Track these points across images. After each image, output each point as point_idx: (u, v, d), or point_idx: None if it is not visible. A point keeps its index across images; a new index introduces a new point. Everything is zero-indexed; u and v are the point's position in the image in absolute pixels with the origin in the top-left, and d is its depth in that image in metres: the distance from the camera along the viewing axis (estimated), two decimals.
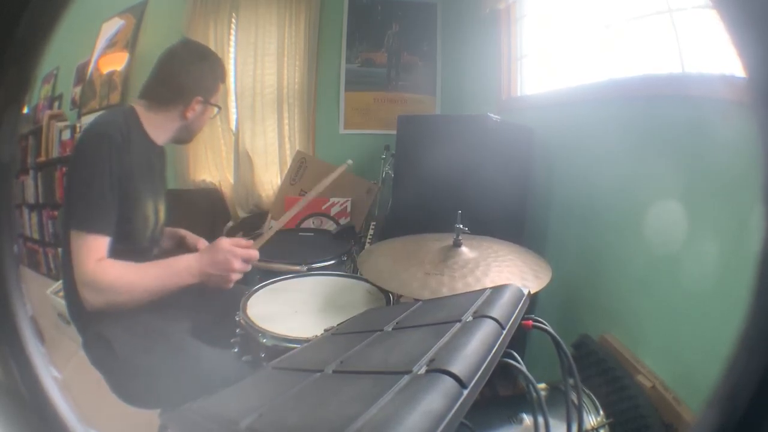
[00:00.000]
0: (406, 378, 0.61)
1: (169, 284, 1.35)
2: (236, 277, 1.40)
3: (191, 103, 1.48)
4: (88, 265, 1.28)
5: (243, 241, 1.44)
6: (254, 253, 1.44)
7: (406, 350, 0.74)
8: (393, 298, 1.47)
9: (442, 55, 2.79)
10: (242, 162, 2.72)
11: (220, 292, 1.43)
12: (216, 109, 1.57)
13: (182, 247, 1.67)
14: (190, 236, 1.68)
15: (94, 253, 1.29)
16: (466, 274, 1.30)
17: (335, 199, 2.60)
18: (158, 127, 1.49)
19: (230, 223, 2.71)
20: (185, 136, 1.56)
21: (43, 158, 2.12)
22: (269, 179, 2.76)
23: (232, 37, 2.60)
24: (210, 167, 2.71)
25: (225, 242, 1.41)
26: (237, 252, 1.39)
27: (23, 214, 2.09)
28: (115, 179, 1.33)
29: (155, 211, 1.51)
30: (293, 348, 1.25)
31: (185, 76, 1.49)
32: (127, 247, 1.37)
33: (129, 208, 1.39)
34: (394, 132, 2.36)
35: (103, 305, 1.30)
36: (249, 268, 1.44)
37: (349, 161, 1.73)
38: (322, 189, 1.62)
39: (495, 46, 2.40)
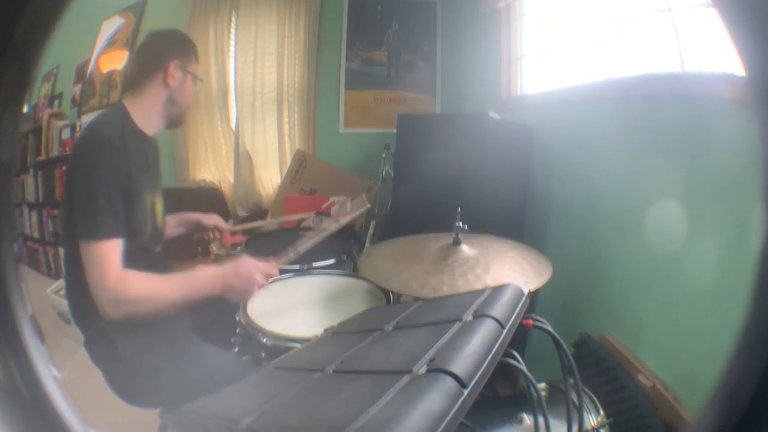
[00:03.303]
0: (406, 377, 0.61)
1: (192, 296, 1.36)
2: (256, 290, 1.42)
3: (168, 68, 1.49)
4: (108, 280, 1.27)
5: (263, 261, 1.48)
6: (275, 270, 1.47)
7: (406, 350, 0.74)
8: (393, 298, 1.48)
9: (442, 53, 2.79)
10: (242, 161, 2.72)
11: (237, 302, 1.47)
12: (199, 82, 1.60)
13: (194, 230, 1.75)
14: (198, 215, 1.75)
15: (112, 264, 1.29)
16: (466, 272, 1.30)
17: (335, 199, 2.60)
18: (148, 112, 1.50)
19: (230, 222, 2.71)
20: (175, 112, 1.56)
21: (43, 157, 2.12)
22: (269, 178, 2.76)
23: (232, 36, 2.60)
24: (210, 166, 2.71)
25: (248, 258, 1.45)
26: (260, 267, 1.42)
27: (23, 213, 2.10)
28: (119, 183, 1.34)
29: (152, 204, 1.51)
30: (293, 347, 1.26)
31: (154, 48, 1.55)
32: (129, 246, 1.37)
33: (130, 206, 1.39)
34: (394, 131, 2.36)
35: (123, 318, 1.29)
36: (267, 282, 1.46)
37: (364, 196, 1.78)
38: (343, 223, 1.69)
39: (495, 45, 2.40)
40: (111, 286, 1.27)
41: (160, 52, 1.51)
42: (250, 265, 1.41)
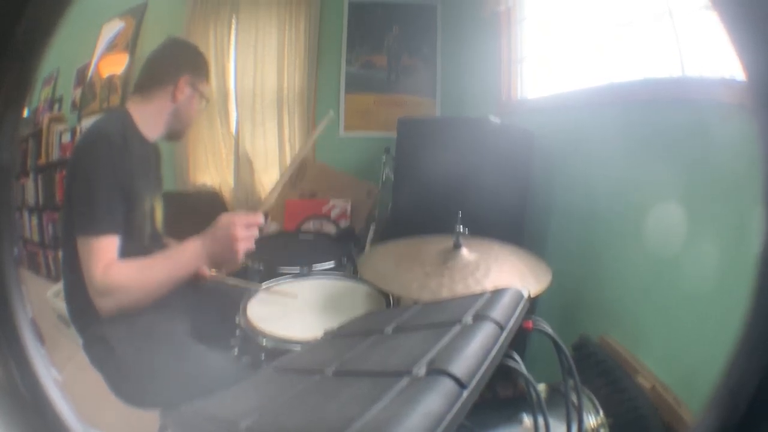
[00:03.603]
0: (405, 379, 0.61)
1: (180, 273, 1.35)
2: (242, 246, 1.34)
3: (179, 83, 1.50)
4: (96, 273, 1.28)
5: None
6: (257, 217, 1.39)
7: (405, 352, 0.74)
8: (393, 301, 1.47)
9: (442, 57, 2.78)
10: (242, 164, 2.72)
11: (234, 268, 1.45)
12: (204, 102, 1.60)
13: None
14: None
15: (103, 257, 1.29)
16: (466, 275, 1.30)
17: (335, 201, 2.60)
18: (151, 119, 1.50)
19: None
20: (177, 127, 1.57)
21: (43, 161, 2.12)
22: (269, 181, 2.76)
23: (232, 39, 2.60)
24: (210, 170, 2.71)
25: (224, 215, 1.38)
26: (236, 220, 1.35)
27: (24, 216, 2.09)
28: (119, 181, 1.34)
29: (151, 207, 1.51)
30: (293, 350, 1.26)
31: (171, 59, 1.56)
32: (129, 248, 1.37)
33: (129, 206, 1.39)
34: (394, 134, 2.36)
35: (116, 309, 1.30)
36: (255, 233, 1.38)
37: (331, 112, 1.77)
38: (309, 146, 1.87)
39: (495, 49, 2.40)
40: (99, 278, 1.27)
41: (174, 65, 1.52)
42: (224, 222, 1.35)
